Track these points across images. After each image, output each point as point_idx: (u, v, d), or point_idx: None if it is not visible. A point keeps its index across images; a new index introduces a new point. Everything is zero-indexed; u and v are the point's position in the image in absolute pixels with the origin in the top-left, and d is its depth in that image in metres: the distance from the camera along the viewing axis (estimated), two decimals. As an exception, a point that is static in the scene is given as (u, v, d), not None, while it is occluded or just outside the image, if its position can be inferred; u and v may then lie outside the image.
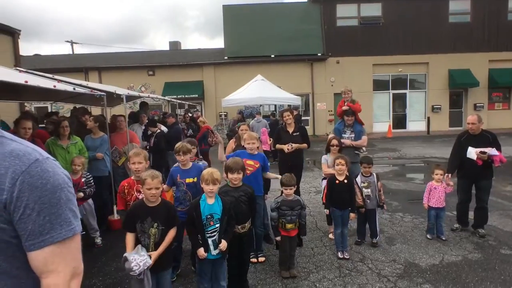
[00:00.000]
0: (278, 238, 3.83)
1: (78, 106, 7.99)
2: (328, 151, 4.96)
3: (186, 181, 3.66)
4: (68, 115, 8.34)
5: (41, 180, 0.94)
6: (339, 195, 4.29)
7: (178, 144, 3.72)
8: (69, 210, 1.00)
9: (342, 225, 4.31)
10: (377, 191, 4.60)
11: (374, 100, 19.21)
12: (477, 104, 18.81)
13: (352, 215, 4.32)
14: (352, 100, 6.24)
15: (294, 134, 5.22)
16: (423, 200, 4.83)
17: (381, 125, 19.01)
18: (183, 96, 17.47)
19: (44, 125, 6.69)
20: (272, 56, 19.00)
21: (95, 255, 4.52)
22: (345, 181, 4.28)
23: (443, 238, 4.65)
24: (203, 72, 19.26)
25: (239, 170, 3.35)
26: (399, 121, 19.89)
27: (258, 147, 4.41)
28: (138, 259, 2.55)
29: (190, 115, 12.32)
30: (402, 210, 6.01)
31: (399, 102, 19.98)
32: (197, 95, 18.44)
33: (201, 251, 2.92)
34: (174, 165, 3.90)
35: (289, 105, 12.59)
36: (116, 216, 5.34)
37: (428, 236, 4.74)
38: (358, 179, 4.62)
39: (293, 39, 18.82)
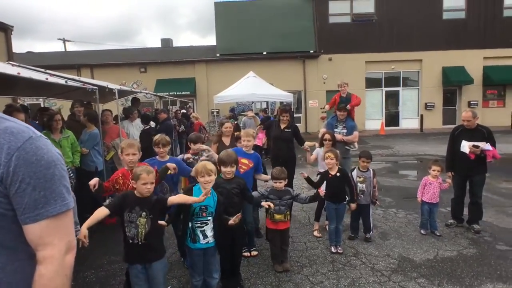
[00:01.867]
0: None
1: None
2: (321, 145, 4.92)
3: None
4: (60, 110, 8.17)
5: (36, 156, 0.98)
6: (333, 189, 4.24)
7: (157, 136, 3.76)
8: (62, 186, 1.05)
9: (336, 220, 4.26)
10: (372, 187, 4.56)
11: (367, 97, 19.22)
12: (471, 102, 18.86)
13: (353, 205, 4.29)
14: (348, 94, 6.23)
15: (286, 130, 5.19)
16: (417, 194, 4.81)
17: (374, 122, 19.07)
18: (175, 93, 17.32)
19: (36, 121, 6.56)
20: (264, 53, 18.92)
21: (87, 249, 4.39)
22: (338, 174, 4.23)
23: (437, 234, 4.63)
24: (195, 69, 19.12)
25: (232, 164, 3.33)
26: (392, 118, 19.97)
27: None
28: None
29: (184, 111, 12.23)
30: (396, 206, 5.99)
31: (392, 99, 20.04)
32: (189, 92, 18.31)
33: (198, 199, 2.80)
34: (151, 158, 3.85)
35: (281, 102, 12.58)
36: (106, 212, 5.22)
37: (422, 231, 4.72)
38: (354, 173, 4.57)
39: (285, 36, 18.75)
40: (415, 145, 13.46)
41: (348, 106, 5.76)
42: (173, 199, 2.84)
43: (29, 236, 0.99)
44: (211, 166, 2.99)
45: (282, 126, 5.22)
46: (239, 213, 3.09)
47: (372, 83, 19.67)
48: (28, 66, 5.87)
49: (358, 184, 4.52)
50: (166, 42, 25.08)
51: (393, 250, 4.26)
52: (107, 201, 5.00)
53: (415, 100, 19.83)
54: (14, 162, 0.95)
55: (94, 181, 2.93)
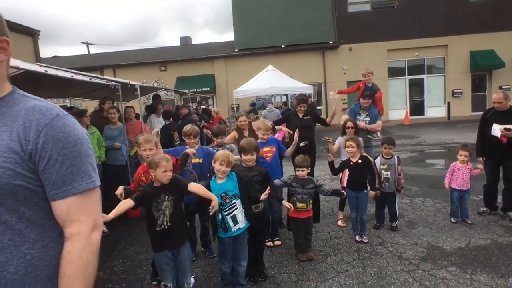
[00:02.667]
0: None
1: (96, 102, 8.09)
2: (344, 133, 4.81)
3: (192, 161, 3.72)
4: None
5: (63, 133, 1.00)
6: (354, 177, 4.14)
7: (187, 127, 3.81)
8: (88, 163, 1.06)
9: (358, 209, 4.16)
10: (397, 174, 4.41)
11: (390, 87, 18.67)
12: (503, 87, 17.78)
13: (371, 193, 4.18)
14: (375, 85, 6.06)
15: (304, 118, 5.15)
16: (444, 181, 4.62)
17: (398, 112, 18.53)
18: (195, 90, 17.50)
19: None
20: (283, 46, 18.74)
21: (115, 240, 4.57)
22: (359, 161, 4.13)
23: (469, 222, 4.43)
24: (214, 66, 19.22)
25: (252, 151, 3.32)
26: (417, 107, 19.30)
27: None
28: None
29: (203, 107, 12.35)
30: (423, 195, 5.79)
31: (416, 88, 19.35)
32: (208, 89, 18.44)
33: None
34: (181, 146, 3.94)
35: (304, 94, 12.41)
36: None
37: (452, 219, 4.54)
38: (378, 160, 4.45)
39: (304, 28, 18.47)
40: (442, 134, 12.98)
41: (380, 111, 5.60)
42: (193, 187, 2.83)
43: (57, 213, 1.01)
44: (233, 158, 3.02)
45: (300, 115, 5.19)
46: (267, 191, 3.11)
47: (394, 71, 19.08)
48: (54, 67, 6.07)
49: (382, 171, 4.39)
50: (185, 40, 25.35)
51: (421, 238, 4.11)
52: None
53: (441, 87, 19.06)
54: (42, 139, 0.96)
55: (119, 190, 2.93)
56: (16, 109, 1.00)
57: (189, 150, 3.44)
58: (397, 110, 18.70)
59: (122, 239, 4.63)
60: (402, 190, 4.58)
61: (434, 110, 18.97)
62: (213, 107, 18.13)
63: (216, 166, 2.97)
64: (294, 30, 18.58)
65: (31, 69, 3.76)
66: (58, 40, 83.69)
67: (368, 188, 4.19)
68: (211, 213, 2.79)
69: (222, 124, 8.63)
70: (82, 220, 1.02)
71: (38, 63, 7.37)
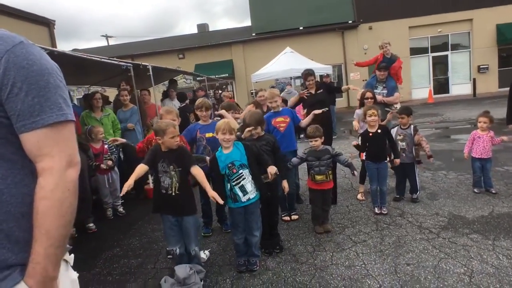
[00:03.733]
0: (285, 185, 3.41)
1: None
2: (362, 105, 4.68)
3: (206, 136, 3.72)
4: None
5: (27, 61, 0.93)
6: (373, 148, 4.04)
7: (199, 100, 3.79)
8: (59, 96, 0.98)
9: (378, 180, 4.08)
10: (413, 144, 4.26)
11: (412, 65, 17.99)
12: (533, 60, 16.91)
13: (396, 161, 4.07)
14: (393, 56, 5.84)
15: (318, 92, 5.03)
16: (464, 150, 4.43)
17: (421, 91, 17.87)
18: (214, 76, 17.53)
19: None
20: (301, 28, 18.37)
21: (132, 219, 4.70)
22: (378, 131, 4.01)
23: (493, 191, 4.26)
24: (232, 51, 19.12)
25: (255, 125, 3.28)
26: (441, 85, 18.53)
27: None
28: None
29: (220, 91, 12.38)
30: (446, 168, 5.60)
31: (440, 65, 18.53)
32: (227, 75, 18.40)
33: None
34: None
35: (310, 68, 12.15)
36: (151, 185, 5.47)
37: (475, 190, 4.37)
38: (394, 131, 4.32)
39: (322, 8, 17.99)
40: (467, 111, 12.41)
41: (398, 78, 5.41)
42: (195, 171, 2.78)
43: (27, 146, 0.95)
44: (234, 124, 2.97)
45: (312, 91, 5.07)
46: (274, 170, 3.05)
47: (417, 49, 18.33)
48: (68, 51, 6.16)
49: (399, 142, 4.26)
50: (202, 27, 25.28)
51: (442, 209, 3.99)
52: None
53: (466, 63, 18.16)
54: (4, 65, 0.90)
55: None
56: None
57: None
58: (420, 89, 18.03)
59: (139, 218, 4.74)
60: (421, 162, 4.39)
61: (459, 88, 18.15)
62: (232, 93, 18.14)
63: (219, 136, 2.94)
64: (312, 11, 18.13)
65: (42, 46, 3.82)
66: (79, 35, 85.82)
67: (390, 158, 4.09)
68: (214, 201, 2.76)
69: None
70: (54, 155, 0.95)
71: (54, 49, 7.55)
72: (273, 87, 14.55)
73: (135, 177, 2.64)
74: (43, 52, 0.99)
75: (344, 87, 5.28)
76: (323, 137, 3.71)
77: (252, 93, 17.16)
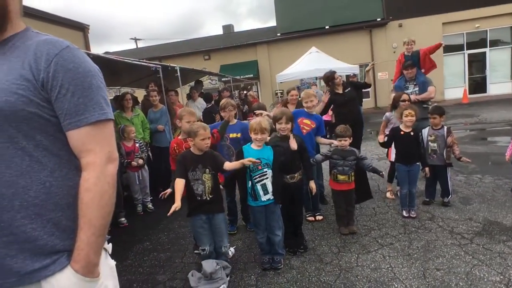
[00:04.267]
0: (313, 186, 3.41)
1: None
2: (394, 108, 4.48)
3: (230, 136, 3.77)
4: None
5: (73, 64, 1.02)
6: (405, 149, 3.91)
7: (223, 100, 3.84)
8: (100, 96, 1.07)
9: (409, 183, 3.93)
10: (445, 146, 4.07)
11: (445, 64, 17.23)
12: None
13: (426, 169, 3.93)
14: (415, 52, 5.60)
15: (346, 91, 4.94)
16: (506, 153, 4.19)
17: (455, 91, 17.07)
18: (239, 77, 17.67)
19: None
20: (327, 27, 18.11)
21: (160, 216, 4.82)
22: (412, 133, 3.88)
23: (535, 197, 4.00)
24: (256, 52, 19.18)
25: (286, 120, 3.26)
26: (477, 85, 17.61)
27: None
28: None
29: (246, 92, 12.49)
30: (481, 172, 5.32)
31: (477, 63, 17.61)
32: (252, 75, 18.48)
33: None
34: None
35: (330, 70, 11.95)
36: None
37: (515, 195, 4.13)
38: (425, 131, 4.15)
39: (348, 6, 17.63)
40: (506, 112, 11.74)
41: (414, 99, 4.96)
42: (229, 165, 2.89)
43: (72, 143, 1.04)
44: (265, 124, 2.99)
45: (340, 90, 4.99)
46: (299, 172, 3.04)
47: (451, 47, 17.50)
48: (101, 54, 6.43)
49: (429, 143, 4.09)
50: (227, 28, 25.54)
51: (476, 214, 3.80)
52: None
53: (507, 61, 17.14)
54: (53, 68, 0.99)
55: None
56: (28, 43, 1.03)
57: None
58: (454, 89, 17.24)
59: (167, 215, 4.87)
60: (463, 159, 4.06)
61: (498, 87, 17.16)
62: (257, 93, 18.20)
63: (252, 136, 3.00)
64: (338, 9, 17.82)
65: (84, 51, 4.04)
66: (109, 39, 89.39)
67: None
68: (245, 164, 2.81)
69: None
70: (96, 151, 1.05)
71: (87, 51, 7.92)
72: (298, 87, 14.51)
73: (180, 195, 2.63)
74: (86, 56, 1.09)
75: (366, 69, 5.08)
76: (351, 139, 3.64)
77: (277, 94, 17.16)
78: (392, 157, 4.41)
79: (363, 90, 5.67)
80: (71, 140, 1.05)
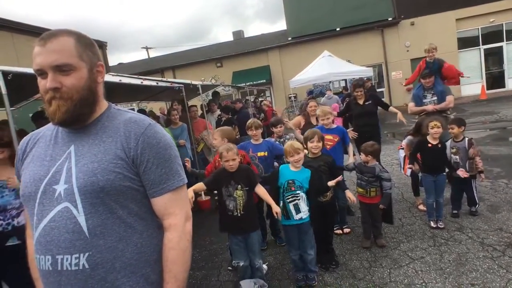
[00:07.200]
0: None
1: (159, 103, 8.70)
2: (418, 133, 4.31)
3: (258, 155, 3.87)
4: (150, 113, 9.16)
5: (155, 140, 1.19)
6: (432, 161, 3.95)
7: (249, 121, 3.96)
8: (177, 164, 1.25)
9: (436, 193, 3.97)
10: (467, 158, 4.04)
11: (461, 60, 16.95)
12: None
13: (460, 172, 3.93)
14: (437, 60, 5.60)
15: (366, 103, 5.02)
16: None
17: (472, 87, 16.75)
18: (252, 83, 17.80)
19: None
20: (338, 29, 18.09)
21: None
22: (439, 145, 3.92)
23: None
24: (268, 57, 19.29)
25: (318, 139, 3.35)
26: (495, 80, 17.25)
27: (333, 121, 4.35)
28: None
29: (261, 99, 12.61)
30: (507, 176, 5.28)
31: (494, 57, 17.24)
32: (264, 80, 18.60)
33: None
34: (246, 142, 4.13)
35: (360, 78, 11.96)
36: (203, 197, 5.74)
37: (545, 201, 4.09)
38: (448, 144, 4.16)
39: (359, 7, 17.57)
40: (527, 107, 11.52)
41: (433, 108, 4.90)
42: (260, 190, 3.04)
43: (157, 208, 1.20)
44: (297, 144, 3.11)
45: (360, 101, 5.05)
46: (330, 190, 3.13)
47: (466, 42, 17.25)
48: (124, 75, 6.71)
49: (452, 156, 4.10)
50: (238, 34, 25.79)
51: (506, 223, 3.79)
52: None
53: (525, 54, 16.75)
54: (141, 146, 1.15)
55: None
56: (116, 122, 1.19)
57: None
58: (471, 85, 16.90)
59: (195, 231, 4.92)
60: (482, 175, 4.08)
61: (517, 81, 16.81)
62: (270, 99, 18.30)
63: (290, 160, 3.10)
64: (349, 10, 17.78)
65: (109, 80, 4.22)
66: (121, 48, 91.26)
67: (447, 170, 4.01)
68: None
69: (275, 115, 8.79)
70: (177, 213, 1.21)
71: (110, 73, 8.18)
72: (310, 91, 14.54)
73: (194, 191, 2.90)
74: (163, 129, 1.26)
75: (394, 110, 5.10)
76: (373, 157, 3.69)
77: (290, 98, 17.23)
78: (408, 171, 4.45)
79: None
80: (156, 206, 1.21)
